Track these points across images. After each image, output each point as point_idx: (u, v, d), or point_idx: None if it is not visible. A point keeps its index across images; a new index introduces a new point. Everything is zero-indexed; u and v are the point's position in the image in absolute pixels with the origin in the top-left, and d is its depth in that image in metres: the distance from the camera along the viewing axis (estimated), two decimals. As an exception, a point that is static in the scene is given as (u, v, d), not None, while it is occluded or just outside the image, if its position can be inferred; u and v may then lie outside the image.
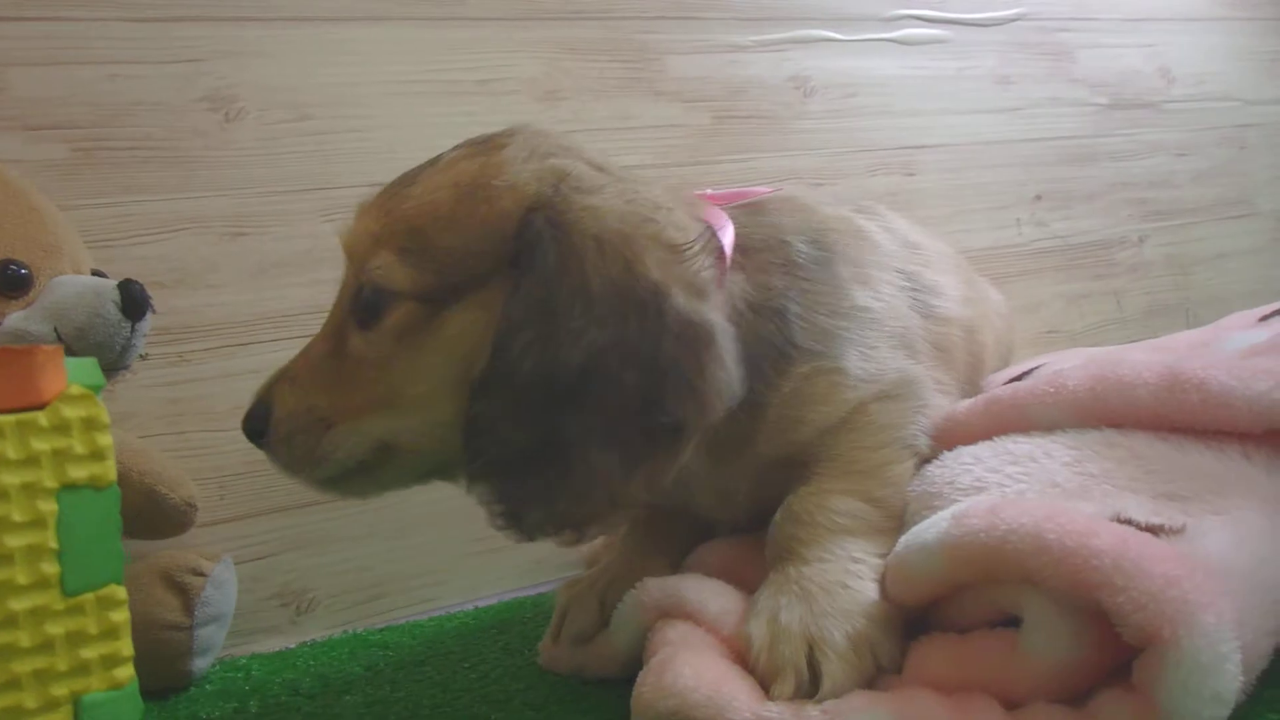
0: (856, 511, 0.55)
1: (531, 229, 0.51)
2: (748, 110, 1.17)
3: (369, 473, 0.58)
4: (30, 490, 0.39)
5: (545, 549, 0.99)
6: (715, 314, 0.53)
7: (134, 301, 0.65)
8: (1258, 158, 1.61)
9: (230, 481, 0.88)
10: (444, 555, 0.96)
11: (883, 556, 0.53)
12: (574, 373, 0.49)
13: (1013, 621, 0.45)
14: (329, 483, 0.58)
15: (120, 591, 0.40)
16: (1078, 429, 0.56)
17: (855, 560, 0.53)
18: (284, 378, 0.59)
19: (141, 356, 0.73)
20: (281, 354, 0.93)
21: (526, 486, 0.50)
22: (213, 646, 0.75)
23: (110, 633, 0.40)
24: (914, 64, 1.30)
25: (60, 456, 0.39)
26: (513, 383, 0.49)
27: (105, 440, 0.40)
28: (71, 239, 0.72)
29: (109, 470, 0.40)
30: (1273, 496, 0.47)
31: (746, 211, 0.65)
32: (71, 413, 0.40)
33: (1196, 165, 1.55)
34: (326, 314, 0.91)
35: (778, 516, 0.57)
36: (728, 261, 0.58)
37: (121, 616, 0.39)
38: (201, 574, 0.73)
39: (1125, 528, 0.43)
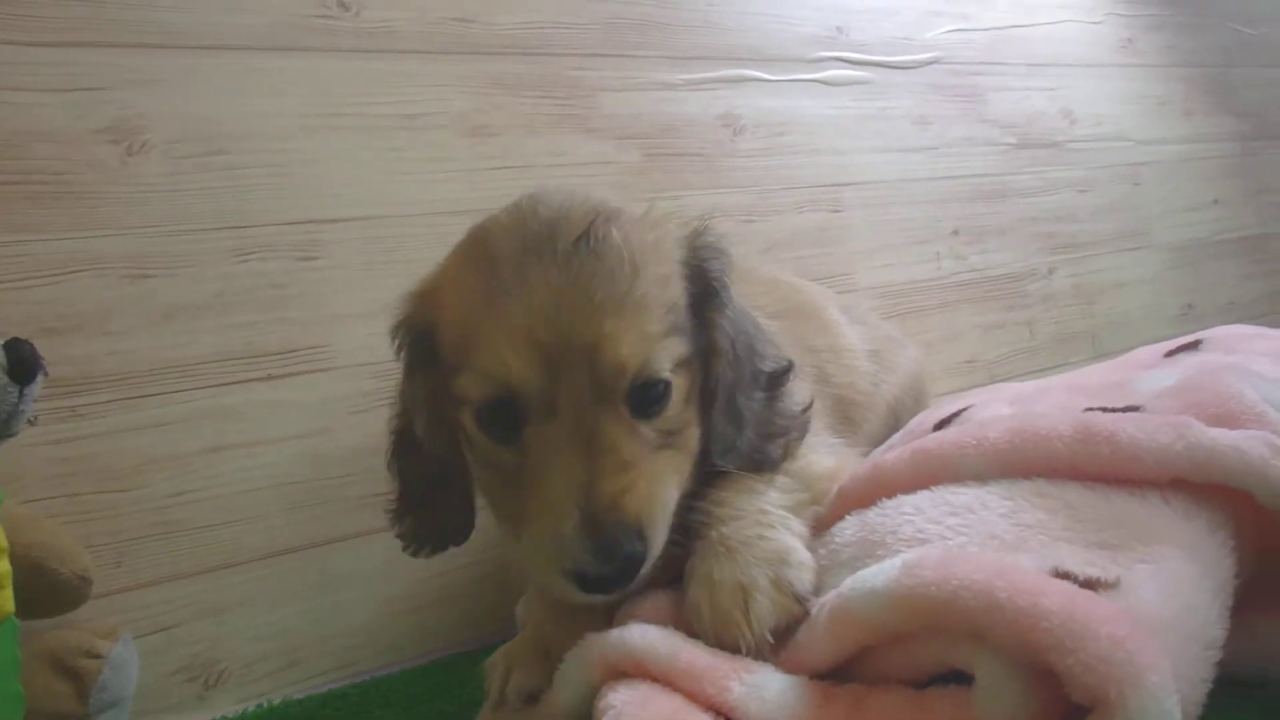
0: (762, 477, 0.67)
1: (706, 278, 0.65)
2: (679, 148, 1.17)
3: None
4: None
5: (477, 606, 0.95)
6: None
7: (23, 363, 0.58)
8: (1150, 193, 1.72)
9: (129, 547, 0.81)
10: (365, 615, 0.91)
11: (786, 508, 0.64)
12: (744, 366, 0.66)
13: (957, 675, 0.46)
14: None
15: (21, 742, 0.35)
16: (1010, 479, 0.58)
17: (764, 512, 0.62)
18: (607, 494, 0.57)
19: (30, 422, 0.66)
20: (189, 405, 0.88)
21: (742, 439, 0.66)
22: (111, 735, 0.68)
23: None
24: (838, 104, 1.34)
25: (-52, 590, 0.34)
26: (728, 387, 0.66)
27: (2, 566, 0.34)
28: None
29: (4, 601, 0.34)
30: (1191, 541, 0.50)
31: None
32: (-39, 535, 0.34)
33: (1096, 200, 1.64)
34: (243, 361, 0.87)
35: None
36: None
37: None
38: (97, 656, 0.67)
39: (1070, 586, 0.44)
